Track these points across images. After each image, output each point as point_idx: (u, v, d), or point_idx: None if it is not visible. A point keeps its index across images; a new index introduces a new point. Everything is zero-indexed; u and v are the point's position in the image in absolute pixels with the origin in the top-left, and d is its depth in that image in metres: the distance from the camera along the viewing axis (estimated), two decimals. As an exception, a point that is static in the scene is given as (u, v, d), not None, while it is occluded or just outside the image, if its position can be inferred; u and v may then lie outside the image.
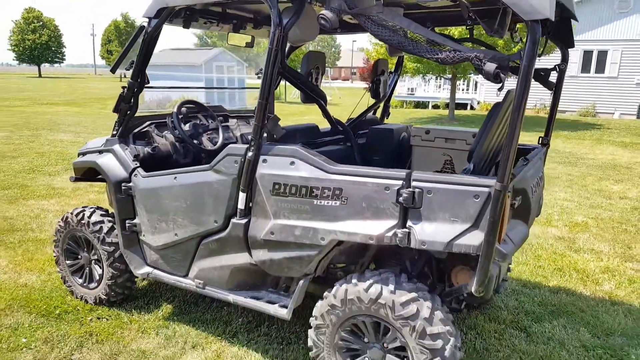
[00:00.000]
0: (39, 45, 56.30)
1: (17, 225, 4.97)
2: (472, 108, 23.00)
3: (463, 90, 23.44)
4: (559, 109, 15.86)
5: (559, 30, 2.84)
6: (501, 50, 13.50)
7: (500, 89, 1.92)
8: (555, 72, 3.02)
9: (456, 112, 19.98)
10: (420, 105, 24.12)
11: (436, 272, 2.75)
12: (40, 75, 60.48)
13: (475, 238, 1.95)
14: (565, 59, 3.02)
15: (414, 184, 2.07)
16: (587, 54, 20.56)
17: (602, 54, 20.31)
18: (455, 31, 8.83)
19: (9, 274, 3.82)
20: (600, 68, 20.48)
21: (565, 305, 3.54)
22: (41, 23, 57.21)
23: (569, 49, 2.98)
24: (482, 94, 23.11)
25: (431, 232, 2.04)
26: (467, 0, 2.09)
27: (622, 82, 20.03)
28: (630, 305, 3.60)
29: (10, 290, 3.54)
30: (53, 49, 58.33)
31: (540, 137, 3.18)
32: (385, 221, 2.12)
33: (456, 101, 22.02)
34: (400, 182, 2.08)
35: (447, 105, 19.89)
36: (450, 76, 17.53)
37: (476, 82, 23.09)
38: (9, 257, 4.15)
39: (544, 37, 2.98)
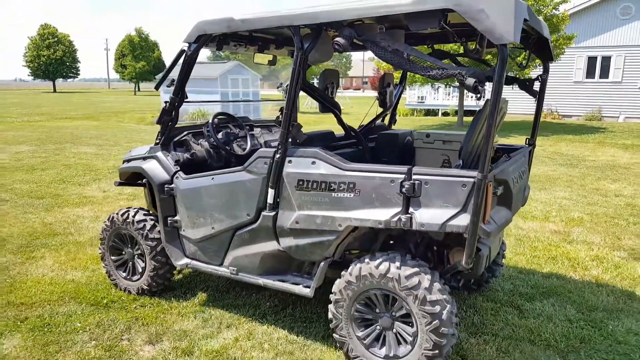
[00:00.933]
0: (54, 60, 57.76)
1: (57, 230, 5.47)
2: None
3: (471, 97, 23.85)
4: (565, 113, 16.23)
5: (539, 47, 3.30)
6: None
7: (479, 99, 2.37)
8: (538, 81, 3.48)
9: (465, 118, 20.41)
10: (431, 112, 24.57)
11: (436, 255, 3.19)
12: (55, 90, 61.90)
13: (464, 219, 2.39)
14: (546, 70, 3.48)
15: (414, 177, 2.51)
16: (592, 60, 20.91)
17: (606, 60, 20.65)
18: (455, 45, 9.29)
19: (56, 272, 4.30)
20: (605, 73, 20.80)
21: (555, 288, 3.94)
22: (56, 39, 58.73)
23: (549, 62, 3.43)
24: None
25: (429, 216, 2.49)
26: (452, 23, 2.55)
27: (626, 86, 20.33)
28: (614, 286, 4.00)
29: (59, 285, 4.01)
30: (67, 64, 59.79)
31: (527, 138, 3.62)
32: (391, 209, 2.57)
33: (465, 108, 22.46)
34: (402, 176, 2.53)
35: (456, 112, 20.29)
36: (457, 84, 17.94)
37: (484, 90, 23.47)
38: (54, 257, 4.63)
39: (527, 52, 3.45)
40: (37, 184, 7.77)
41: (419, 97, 24.71)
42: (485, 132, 2.20)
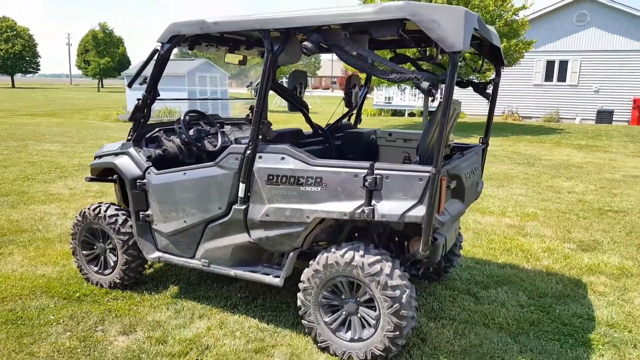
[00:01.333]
0: (13, 55, 55.61)
1: (24, 226, 5.43)
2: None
3: (438, 99, 24.47)
4: (525, 115, 16.97)
5: (492, 54, 3.57)
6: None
7: (432, 100, 2.59)
8: (491, 85, 3.75)
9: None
10: (397, 113, 25.06)
11: (397, 245, 3.41)
12: (13, 86, 59.58)
13: (420, 210, 2.61)
14: (498, 74, 3.75)
15: (376, 172, 2.71)
16: (550, 64, 21.86)
17: (564, 64, 21.63)
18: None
19: (26, 267, 4.31)
20: (562, 77, 21.79)
21: (509, 277, 4.24)
22: (15, 32, 56.55)
23: (501, 67, 3.70)
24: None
25: (389, 208, 2.69)
26: (411, 31, 2.76)
27: (582, 89, 21.36)
28: (563, 275, 4.33)
29: (30, 280, 4.02)
30: (27, 58, 57.71)
31: (480, 137, 3.89)
32: (355, 201, 2.77)
33: (430, 109, 22.99)
34: (365, 171, 2.72)
35: (422, 113, 20.80)
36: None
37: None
38: (22, 253, 4.62)
39: (482, 58, 3.72)
40: (0, 181, 7.62)
41: (386, 97, 25.15)
42: (438, 131, 2.42)
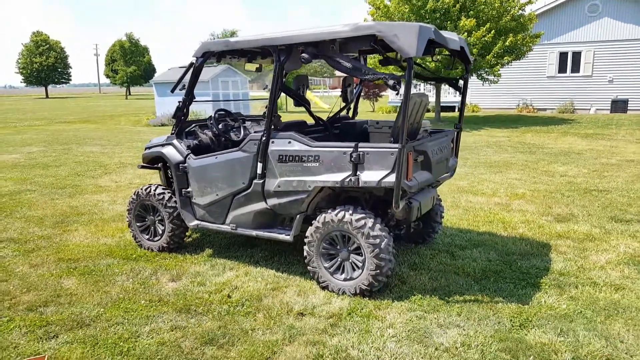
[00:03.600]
0: (46, 67, 58.40)
1: (82, 211, 6.52)
2: (459, 110, 24.57)
3: (451, 94, 25.06)
4: (539, 107, 17.65)
5: (460, 56, 4.41)
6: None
7: (397, 94, 3.46)
8: (462, 80, 4.58)
9: (444, 114, 21.62)
10: (412, 109, 25.70)
11: (382, 211, 4.28)
12: (47, 96, 62.38)
13: (392, 177, 3.48)
14: (467, 71, 4.57)
15: (359, 150, 3.60)
16: (563, 55, 22.20)
17: (577, 55, 21.94)
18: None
19: (90, 239, 5.35)
20: (576, 68, 22.11)
21: (485, 241, 5.06)
22: (48, 46, 59.35)
23: (469, 65, 4.53)
24: (468, 96, 24.75)
25: (369, 177, 3.57)
26: (378, 40, 3.61)
27: (596, 80, 21.63)
28: (533, 239, 5.12)
29: (96, 247, 5.06)
30: (59, 70, 60.44)
31: (455, 123, 4.72)
32: (344, 173, 3.66)
33: (444, 104, 23.61)
34: (351, 149, 3.61)
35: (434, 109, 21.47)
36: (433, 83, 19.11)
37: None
38: (85, 229, 5.68)
39: (453, 58, 4.55)
40: (55, 177, 8.80)
41: (401, 94, 25.77)
42: (401, 115, 3.30)
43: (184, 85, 4.38)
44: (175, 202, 4.64)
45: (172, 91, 4.51)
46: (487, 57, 15.08)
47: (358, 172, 3.62)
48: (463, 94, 4.61)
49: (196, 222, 4.57)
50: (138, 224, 4.95)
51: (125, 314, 3.56)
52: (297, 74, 4.72)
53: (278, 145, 3.90)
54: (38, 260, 4.66)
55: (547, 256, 4.67)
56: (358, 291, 3.76)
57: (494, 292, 3.88)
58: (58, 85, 69.07)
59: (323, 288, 3.93)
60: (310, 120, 4.89)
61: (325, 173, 3.74)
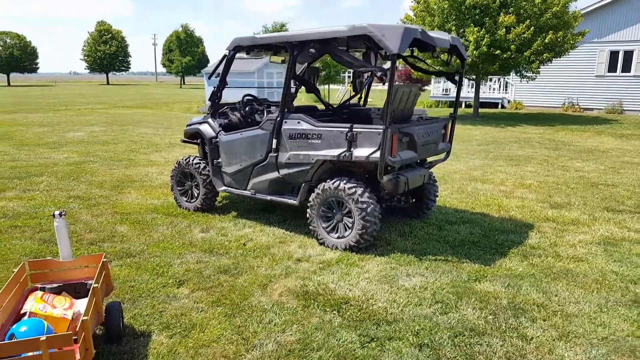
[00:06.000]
0: (109, 55, 62.16)
1: (135, 179, 7.65)
2: (502, 107, 24.50)
3: (494, 90, 24.99)
4: (586, 106, 17.77)
5: (455, 53, 5.05)
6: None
7: (383, 84, 4.20)
8: (457, 74, 5.23)
9: (486, 110, 21.79)
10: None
11: (374, 184, 5.03)
12: (108, 83, 66.29)
13: (378, 154, 4.23)
14: (463, 66, 5.21)
15: (353, 130, 4.37)
16: (614, 55, 21.67)
17: (628, 54, 21.35)
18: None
19: (140, 200, 6.42)
20: (627, 67, 21.52)
21: (475, 219, 5.70)
22: (110, 35, 63.11)
23: (463, 61, 5.17)
24: (512, 93, 24.61)
25: (360, 153, 4.34)
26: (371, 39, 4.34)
27: (647, 80, 20.99)
28: (520, 220, 5.69)
29: (144, 206, 6.11)
30: (120, 58, 64.13)
31: (450, 113, 5.38)
32: (341, 149, 4.45)
33: (487, 100, 23.71)
34: (347, 129, 4.39)
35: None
36: (474, 77, 19.32)
37: (507, 83, 24.59)
38: (136, 193, 6.77)
39: (450, 56, 5.20)
40: (114, 152, 10.09)
41: (444, 89, 25.99)
42: (386, 102, 4.04)
43: (218, 74, 5.30)
44: (208, 170, 5.59)
45: (209, 78, 5.44)
46: (524, 53, 15.23)
47: (352, 149, 4.40)
48: (458, 88, 5.26)
49: (224, 187, 5.51)
50: (179, 188, 5.95)
51: (163, 250, 4.54)
52: (310, 66, 5.53)
53: (289, 124, 4.74)
54: (98, 212, 5.77)
55: (526, 234, 5.26)
56: (347, 247, 4.56)
57: (464, 256, 4.56)
58: (118, 73, 73.33)
59: (320, 244, 4.75)
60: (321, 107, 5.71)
61: (326, 149, 4.54)
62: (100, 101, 29.04)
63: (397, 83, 4.36)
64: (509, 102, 24.54)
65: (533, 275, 4.13)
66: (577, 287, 3.90)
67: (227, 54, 5.19)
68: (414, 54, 5.39)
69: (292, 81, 4.77)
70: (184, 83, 67.22)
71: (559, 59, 16.89)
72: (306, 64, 5.56)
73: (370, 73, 6.01)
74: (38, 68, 64.41)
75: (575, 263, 4.43)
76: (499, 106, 24.53)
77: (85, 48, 64.90)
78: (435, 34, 4.60)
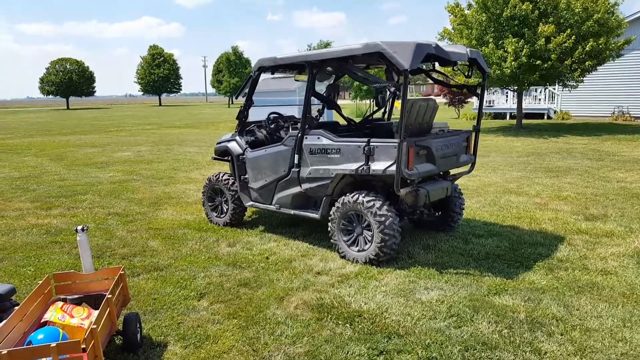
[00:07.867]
0: (161, 77, 65.30)
1: (173, 195, 8.02)
2: (549, 117, 23.69)
3: (540, 100, 24.23)
4: (637, 115, 17.15)
5: (475, 66, 5.05)
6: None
7: (397, 99, 4.26)
8: (479, 87, 5.22)
9: (531, 121, 21.17)
10: (499, 116, 25.29)
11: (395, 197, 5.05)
12: (160, 104, 69.44)
13: (394, 166, 4.28)
14: (484, 79, 5.20)
15: (371, 144, 4.45)
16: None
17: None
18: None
19: (175, 215, 6.74)
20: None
21: (504, 232, 5.58)
22: (162, 58, 66.35)
23: (484, 73, 5.15)
24: (559, 104, 23.76)
25: (377, 166, 4.40)
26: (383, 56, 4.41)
27: None
28: (550, 233, 5.53)
29: (177, 221, 6.40)
30: (172, 80, 67.20)
31: (473, 125, 5.35)
32: (359, 163, 4.53)
33: (532, 111, 23.06)
34: (364, 143, 4.48)
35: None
36: (516, 88, 18.84)
37: (553, 93, 23.78)
38: (173, 209, 7.10)
39: (471, 68, 5.19)
40: (157, 170, 10.61)
41: (487, 101, 25.45)
42: (400, 117, 4.10)
43: (245, 93, 5.54)
44: (236, 186, 5.81)
45: (236, 97, 5.80)
46: (565, 62, 14.76)
47: (369, 163, 4.48)
48: (480, 100, 5.24)
49: (251, 202, 5.70)
50: (209, 203, 6.21)
51: (189, 264, 4.76)
52: (329, 83, 5.67)
53: (310, 140, 4.88)
54: (133, 228, 6.10)
55: (555, 246, 5.10)
56: (367, 260, 4.60)
57: (486, 269, 4.49)
58: (171, 95, 76.78)
59: (342, 257, 4.82)
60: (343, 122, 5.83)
61: (345, 163, 4.64)
62: (150, 122, 30.50)
63: (413, 97, 4.43)
64: (555, 112, 23.71)
65: (556, 288, 4.02)
66: (602, 300, 3.76)
67: (252, 74, 5.42)
68: (436, 68, 5.43)
69: (311, 97, 4.92)
70: (232, 103, 69.32)
71: (605, 66, 16.22)
72: (332, 80, 5.71)
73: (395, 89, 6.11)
74: (95, 91, 68.56)
75: (603, 276, 4.26)
76: (545, 117, 23.74)
77: (139, 71, 68.56)
78: (452, 48, 4.64)
